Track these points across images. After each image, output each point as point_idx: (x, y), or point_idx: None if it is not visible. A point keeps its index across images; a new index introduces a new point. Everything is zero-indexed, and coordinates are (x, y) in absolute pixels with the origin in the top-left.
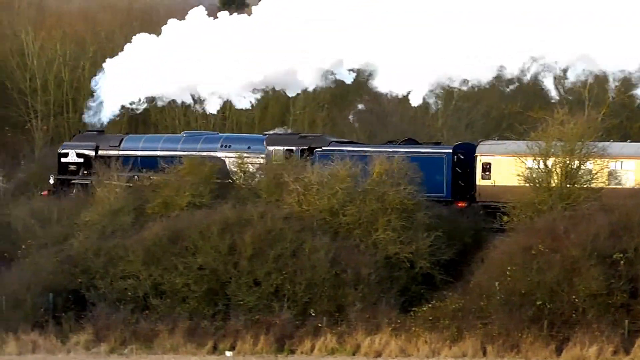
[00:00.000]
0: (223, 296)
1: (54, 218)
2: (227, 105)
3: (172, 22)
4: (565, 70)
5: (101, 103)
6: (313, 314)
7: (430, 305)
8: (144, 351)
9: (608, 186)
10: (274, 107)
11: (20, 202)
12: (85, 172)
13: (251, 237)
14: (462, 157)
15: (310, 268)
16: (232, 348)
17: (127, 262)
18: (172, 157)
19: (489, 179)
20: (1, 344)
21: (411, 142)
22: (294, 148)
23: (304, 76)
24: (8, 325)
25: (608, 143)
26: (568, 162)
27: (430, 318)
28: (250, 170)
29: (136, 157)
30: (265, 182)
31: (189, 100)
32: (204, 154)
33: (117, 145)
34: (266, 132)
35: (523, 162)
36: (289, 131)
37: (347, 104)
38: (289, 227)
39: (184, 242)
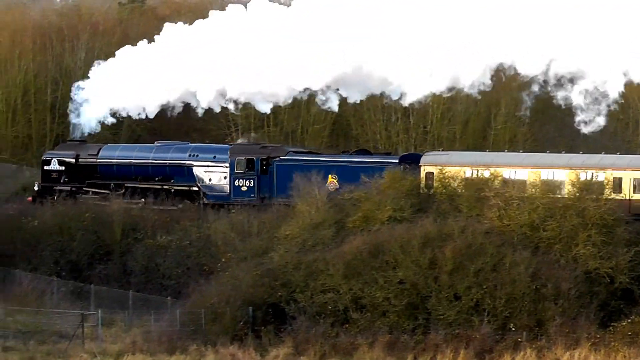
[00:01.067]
0: (423, 310)
1: (253, 231)
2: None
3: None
4: None
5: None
6: (513, 329)
7: (629, 320)
8: None
9: None
10: (475, 121)
11: (220, 216)
12: (67, 179)
13: (452, 251)
14: (408, 166)
15: (510, 282)
16: None
17: (328, 275)
18: (145, 165)
19: (432, 187)
20: (200, 357)
21: (363, 152)
22: (254, 157)
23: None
24: (207, 339)
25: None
26: None
27: (629, 333)
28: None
29: (112, 165)
30: (466, 197)
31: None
32: (174, 162)
33: (96, 154)
34: (231, 143)
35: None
36: (252, 142)
37: (548, 118)
38: (489, 242)
39: (384, 256)
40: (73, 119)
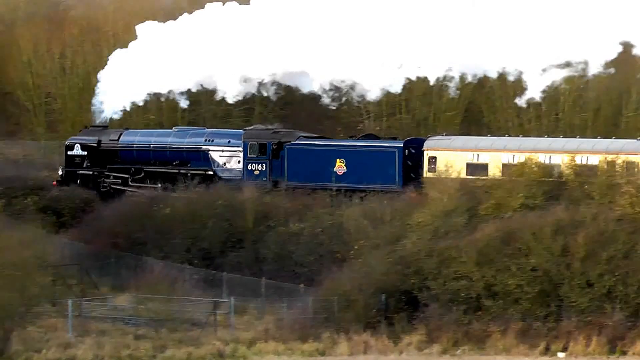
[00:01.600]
0: (555, 297)
1: (386, 218)
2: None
3: None
4: None
5: None
6: None
7: None
8: (476, 352)
9: None
10: (606, 109)
11: (352, 203)
12: (89, 164)
13: (584, 238)
14: (413, 151)
15: None
16: (564, 349)
17: (460, 263)
18: (163, 150)
19: (434, 171)
20: (333, 344)
21: (371, 137)
22: (266, 142)
23: None
24: (340, 326)
25: None
26: None
27: None
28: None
29: (132, 150)
30: (598, 184)
31: None
32: (191, 147)
33: (117, 139)
34: (246, 128)
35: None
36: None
37: None
38: (621, 229)
39: (516, 243)
40: (97, 104)
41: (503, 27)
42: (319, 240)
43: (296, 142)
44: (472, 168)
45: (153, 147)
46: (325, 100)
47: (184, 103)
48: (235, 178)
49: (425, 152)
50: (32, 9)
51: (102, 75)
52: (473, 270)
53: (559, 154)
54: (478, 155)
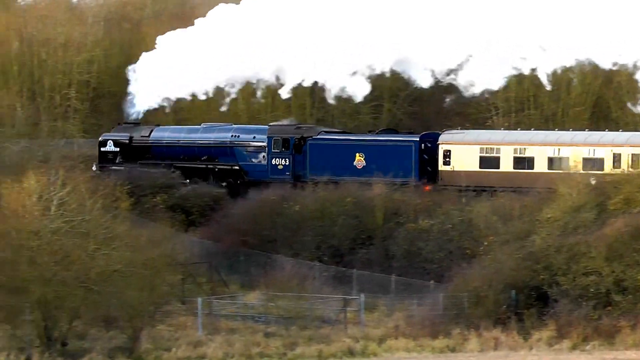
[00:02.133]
0: None
1: (515, 214)
2: None
3: None
4: None
5: None
6: None
7: None
8: (606, 347)
9: None
10: None
11: (482, 199)
12: (121, 159)
13: None
14: (429, 145)
15: None
16: None
17: (589, 258)
18: (192, 145)
19: (449, 164)
20: (463, 340)
21: (391, 131)
22: (289, 137)
23: None
24: (470, 322)
25: None
26: None
27: None
28: None
29: (162, 145)
30: None
31: None
32: (218, 142)
33: (148, 135)
34: (271, 124)
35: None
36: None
37: None
38: None
39: None
40: (130, 101)
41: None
42: (448, 237)
43: (317, 137)
44: (484, 161)
45: (182, 143)
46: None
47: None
48: (261, 172)
49: (440, 146)
50: (159, 7)
51: (143, 69)
52: (602, 265)
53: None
54: (490, 148)
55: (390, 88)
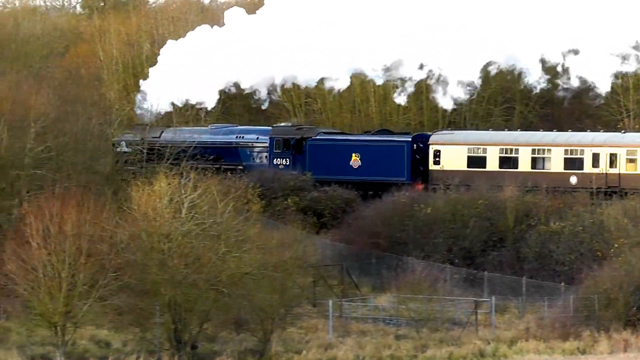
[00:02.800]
0: None
1: None
2: None
3: None
4: None
5: None
6: None
7: None
8: None
9: None
10: None
11: (613, 201)
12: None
13: None
14: (421, 145)
15: None
16: None
17: None
18: (200, 146)
19: (439, 164)
20: (593, 343)
21: (385, 132)
22: (289, 138)
23: None
24: (600, 324)
25: None
26: None
27: None
28: None
29: (173, 146)
30: None
31: None
32: (224, 143)
33: (158, 136)
34: (274, 125)
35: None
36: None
37: None
38: None
39: None
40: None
41: None
42: (579, 239)
43: (316, 137)
44: (472, 161)
45: (189, 143)
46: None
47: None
48: None
49: (430, 147)
50: None
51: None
52: None
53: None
54: (477, 148)
55: (522, 90)
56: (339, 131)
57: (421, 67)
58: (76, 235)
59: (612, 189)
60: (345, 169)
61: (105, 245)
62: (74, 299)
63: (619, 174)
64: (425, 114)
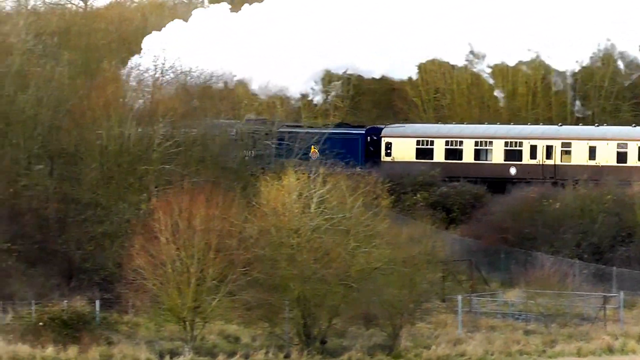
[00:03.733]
0: None
1: None
2: None
3: None
4: None
5: None
6: None
7: None
8: None
9: None
10: None
11: None
12: None
13: None
14: (375, 137)
15: None
16: None
17: None
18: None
19: (390, 155)
20: None
21: (345, 125)
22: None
23: None
24: None
25: None
26: None
27: None
28: None
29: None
30: None
31: None
32: None
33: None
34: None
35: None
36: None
37: None
38: None
39: None
40: None
41: None
42: None
43: (278, 130)
44: (420, 153)
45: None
46: None
47: None
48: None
49: (382, 139)
50: None
51: None
52: None
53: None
54: (425, 141)
55: None
56: (298, 125)
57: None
58: (205, 230)
59: (550, 179)
60: (305, 160)
61: (234, 240)
62: (203, 294)
63: (555, 165)
64: (553, 110)
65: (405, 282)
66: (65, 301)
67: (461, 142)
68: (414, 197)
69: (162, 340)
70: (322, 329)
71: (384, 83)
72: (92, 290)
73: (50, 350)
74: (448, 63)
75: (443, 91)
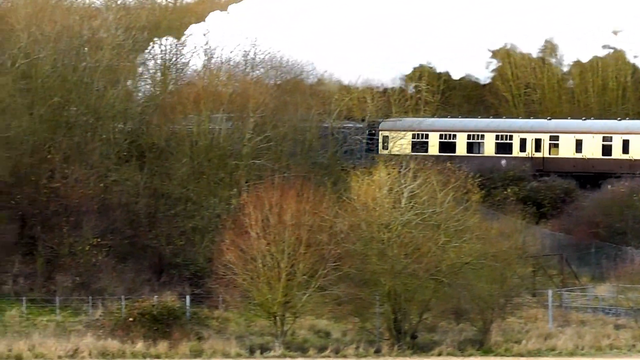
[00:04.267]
0: None
1: None
2: None
3: None
4: None
5: None
6: None
7: None
8: None
9: None
10: None
11: None
12: None
13: None
14: (373, 132)
15: None
16: None
17: None
18: None
19: (387, 148)
20: None
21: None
22: None
23: None
24: None
25: None
26: None
27: None
28: None
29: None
30: None
31: None
32: None
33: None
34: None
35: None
36: None
37: None
38: None
39: None
40: None
41: None
42: None
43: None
44: (415, 145)
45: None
46: None
47: None
48: None
49: (380, 132)
50: None
51: None
52: None
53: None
54: (420, 134)
55: None
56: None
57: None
58: (295, 225)
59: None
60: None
61: (325, 235)
62: (293, 289)
63: (543, 157)
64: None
65: (496, 277)
66: (156, 296)
67: (454, 136)
68: (504, 192)
69: (253, 335)
70: (413, 324)
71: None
72: (183, 285)
73: (140, 345)
74: (539, 58)
75: (533, 86)
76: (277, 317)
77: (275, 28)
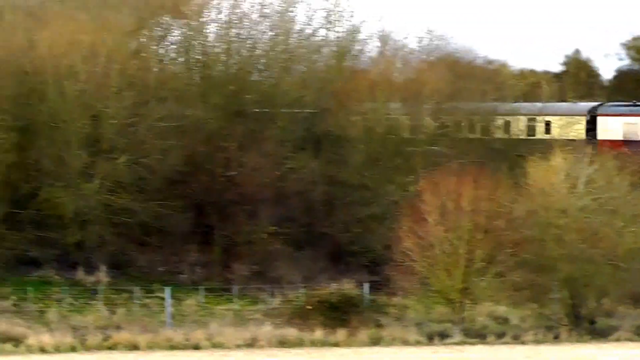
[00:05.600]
0: None
1: None
2: None
3: None
4: None
5: None
6: None
7: None
8: None
9: None
10: None
11: None
12: None
13: None
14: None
15: None
16: None
17: None
18: None
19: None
20: None
21: None
22: None
23: None
24: None
25: None
26: None
27: None
28: None
29: None
30: None
31: None
32: None
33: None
34: None
35: None
36: None
37: None
38: None
39: None
40: None
41: None
42: None
43: None
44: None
45: None
46: None
47: None
48: None
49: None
50: None
51: None
52: None
53: None
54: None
55: None
56: None
57: None
58: (473, 211)
59: None
60: None
61: (502, 221)
62: (472, 276)
63: None
64: None
65: None
66: (334, 284)
67: None
68: None
69: (431, 322)
70: (591, 309)
71: None
72: (360, 273)
73: (318, 333)
74: None
75: None
76: (456, 304)
77: (447, 14)
